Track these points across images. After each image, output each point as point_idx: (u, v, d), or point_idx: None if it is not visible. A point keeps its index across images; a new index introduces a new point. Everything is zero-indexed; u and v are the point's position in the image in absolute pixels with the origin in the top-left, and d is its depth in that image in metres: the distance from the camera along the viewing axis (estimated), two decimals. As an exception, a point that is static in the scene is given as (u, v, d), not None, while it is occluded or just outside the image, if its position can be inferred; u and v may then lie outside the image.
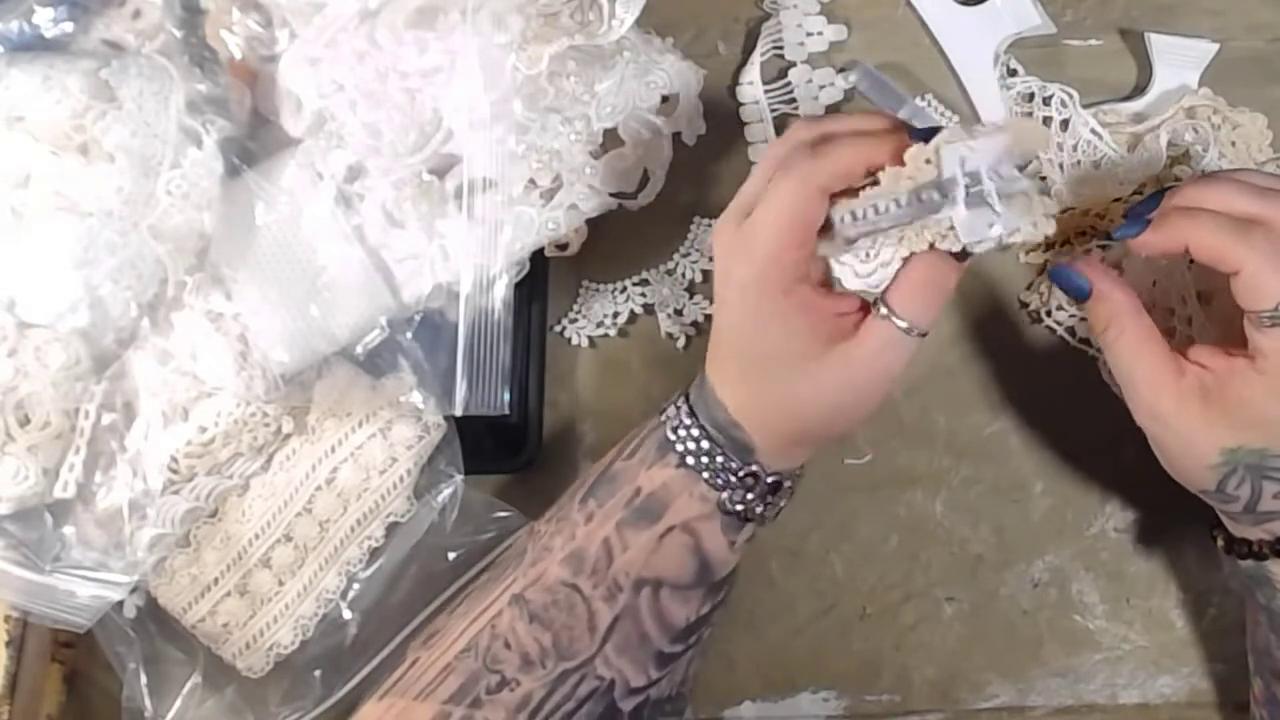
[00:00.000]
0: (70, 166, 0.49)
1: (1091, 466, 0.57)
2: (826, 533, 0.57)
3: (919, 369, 0.57)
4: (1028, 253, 0.59)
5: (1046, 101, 0.59)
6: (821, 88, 0.62)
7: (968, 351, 0.59)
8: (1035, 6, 0.60)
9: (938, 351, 0.58)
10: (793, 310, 0.43)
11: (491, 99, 0.51)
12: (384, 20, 0.51)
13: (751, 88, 0.62)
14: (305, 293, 0.52)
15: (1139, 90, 0.60)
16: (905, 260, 0.43)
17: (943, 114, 0.61)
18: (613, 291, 0.60)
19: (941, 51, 0.61)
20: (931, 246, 0.42)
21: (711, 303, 0.59)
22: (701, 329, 0.60)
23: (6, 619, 0.53)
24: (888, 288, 0.43)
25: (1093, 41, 0.62)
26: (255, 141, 0.54)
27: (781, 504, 0.47)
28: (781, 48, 0.62)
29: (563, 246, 0.56)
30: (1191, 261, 0.47)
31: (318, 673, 0.54)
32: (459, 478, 0.55)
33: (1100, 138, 0.58)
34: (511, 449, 0.58)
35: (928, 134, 0.42)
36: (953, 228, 0.41)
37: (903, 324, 0.42)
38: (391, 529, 0.54)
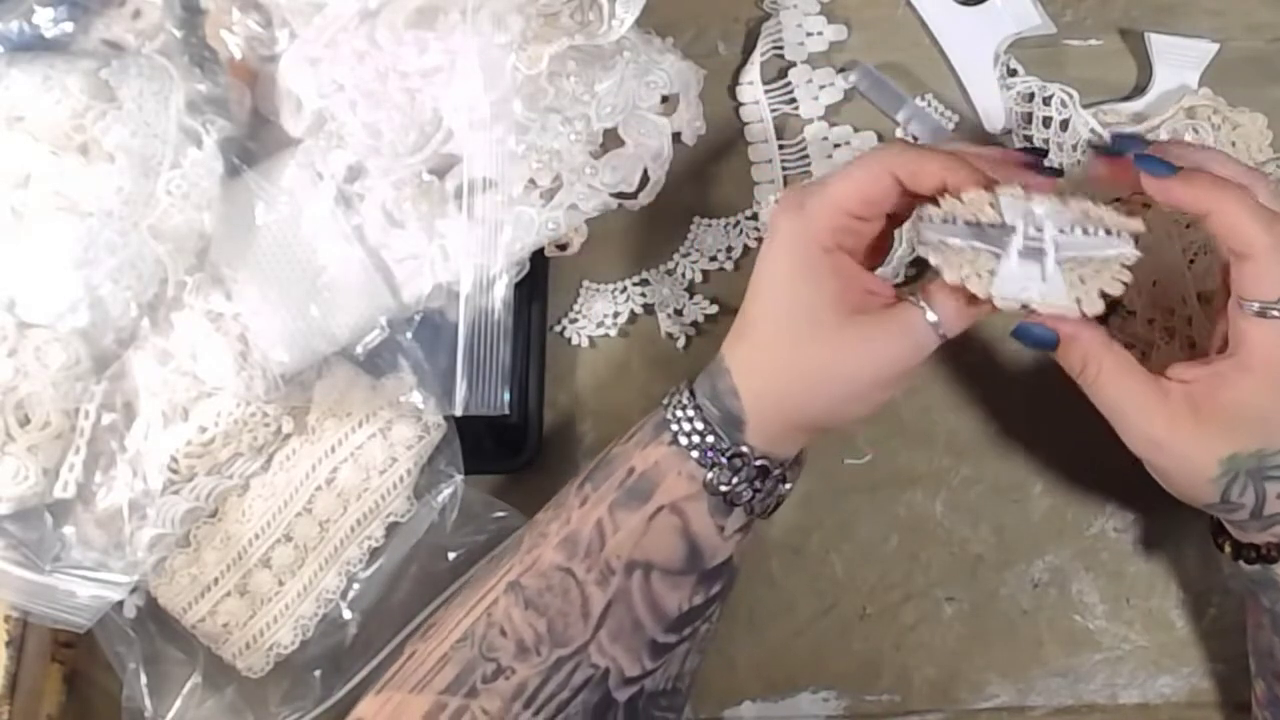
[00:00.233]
0: (70, 166, 0.49)
1: (1091, 466, 0.57)
2: (826, 533, 0.57)
3: (919, 368, 0.57)
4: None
5: (1046, 101, 0.59)
6: (821, 88, 0.62)
7: (968, 351, 0.58)
8: (1035, 6, 0.60)
9: (937, 351, 0.58)
10: (828, 271, 0.44)
11: (491, 99, 0.51)
12: (384, 20, 0.51)
13: (751, 88, 0.62)
14: (305, 293, 0.52)
15: (1139, 90, 0.60)
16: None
17: (943, 114, 0.61)
18: (613, 291, 0.60)
19: (941, 51, 0.62)
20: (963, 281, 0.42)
21: (711, 303, 0.59)
22: (701, 329, 0.60)
23: (6, 619, 0.53)
24: (933, 284, 0.44)
25: (1093, 41, 0.62)
26: (255, 141, 0.54)
27: (773, 498, 0.46)
28: (781, 48, 0.62)
29: (563, 246, 0.56)
30: (1192, 262, 0.47)
31: (318, 673, 0.54)
32: (459, 478, 0.55)
33: (1100, 138, 0.58)
34: (511, 449, 0.58)
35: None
36: (992, 271, 0.41)
37: (933, 318, 0.43)
38: (391, 529, 0.54)
